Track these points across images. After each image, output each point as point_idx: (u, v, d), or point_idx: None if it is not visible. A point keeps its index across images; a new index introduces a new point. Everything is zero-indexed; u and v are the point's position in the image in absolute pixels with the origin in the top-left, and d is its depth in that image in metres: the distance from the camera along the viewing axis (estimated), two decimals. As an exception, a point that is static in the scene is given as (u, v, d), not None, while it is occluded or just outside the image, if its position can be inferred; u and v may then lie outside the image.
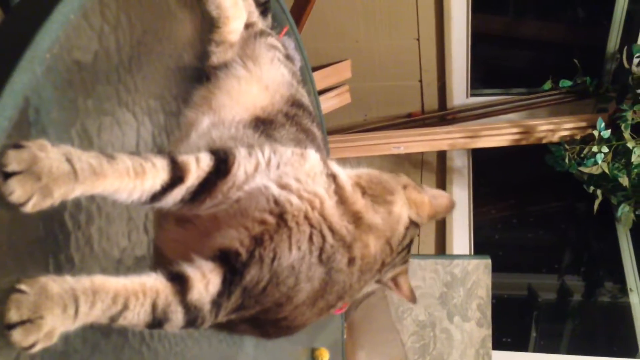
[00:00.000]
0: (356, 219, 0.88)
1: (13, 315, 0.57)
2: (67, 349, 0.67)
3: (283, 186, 0.84)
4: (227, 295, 0.77)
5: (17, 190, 0.57)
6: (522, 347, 3.21)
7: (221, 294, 0.76)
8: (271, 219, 0.81)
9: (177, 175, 0.76)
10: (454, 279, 2.55)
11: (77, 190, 0.64)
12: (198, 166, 0.79)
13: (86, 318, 0.64)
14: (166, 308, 0.71)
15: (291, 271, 0.81)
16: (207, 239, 0.81)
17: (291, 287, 0.82)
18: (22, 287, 0.59)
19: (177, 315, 0.72)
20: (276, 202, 0.82)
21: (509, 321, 3.25)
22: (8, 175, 0.57)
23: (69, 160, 0.63)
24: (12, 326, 0.57)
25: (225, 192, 0.81)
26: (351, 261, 0.87)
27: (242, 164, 0.83)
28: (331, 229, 0.85)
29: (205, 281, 0.75)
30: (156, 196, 0.75)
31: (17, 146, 0.58)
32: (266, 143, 0.92)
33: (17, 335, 0.57)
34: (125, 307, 0.67)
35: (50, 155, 0.61)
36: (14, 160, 0.57)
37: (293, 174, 0.86)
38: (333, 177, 0.90)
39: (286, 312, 0.86)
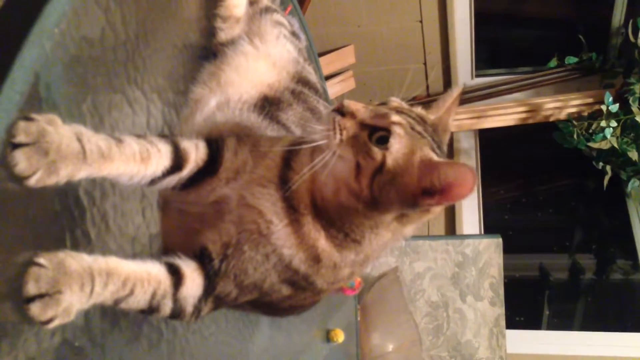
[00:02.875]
0: (315, 259, 0.81)
1: (31, 288, 0.57)
2: (87, 324, 0.67)
3: (241, 199, 0.80)
4: (205, 301, 0.79)
5: (21, 163, 0.56)
6: (535, 325, 3.21)
7: (200, 299, 0.78)
8: (234, 233, 0.79)
9: (177, 162, 0.78)
10: (466, 259, 2.55)
11: (83, 172, 0.63)
12: (196, 155, 0.80)
13: (97, 298, 0.64)
14: (161, 299, 0.72)
15: (255, 287, 0.81)
16: (194, 234, 0.82)
17: (261, 296, 0.83)
18: (41, 260, 0.58)
19: (166, 308, 0.74)
20: (238, 216, 0.80)
21: (522, 301, 3.25)
22: (16, 147, 0.56)
23: (79, 140, 0.63)
24: (30, 300, 0.57)
25: (208, 191, 0.82)
26: (317, 288, 0.85)
27: (226, 168, 0.82)
28: (286, 265, 0.80)
29: (192, 279, 0.77)
30: (154, 181, 0.76)
31: (27, 118, 0.58)
32: (267, 127, 0.93)
33: (35, 308, 0.57)
34: (131, 292, 0.68)
35: (61, 131, 0.60)
36: (22, 132, 0.57)
37: (249, 187, 0.81)
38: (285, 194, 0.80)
39: (273, 300, 0.86)
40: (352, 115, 0.80)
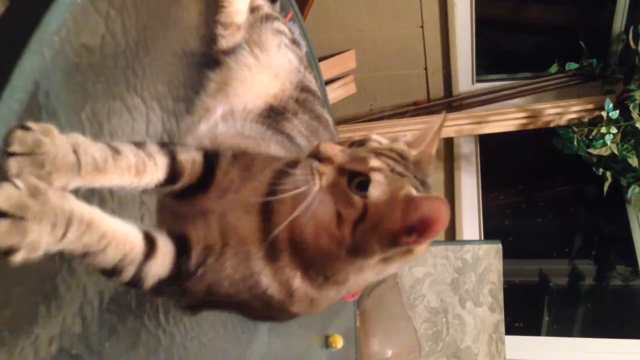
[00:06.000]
0: (289, 294, 0.79)
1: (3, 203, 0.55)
2: (85, 331, 0.67)
3: (223, 216, 0.79)
4: (167, 286, 0.75)
5: (12, 171, 0.57)
6: (534, 331, 3.20)
7: (162, 283, 0.74)
8: (217, 245, 0.77)
9: (172, 176, 0.77)
10: (465, 265, 2.55)
11: (75, 183, 0.63)
12: (192, 170, 0.79)
13: (69, 245, 0.61)
14: (127, 264, 0.69)
15: (227, 296, 0.79)
16: (182, 220, 0.80)
17: (232, 304, 0.81)
18: (18, 183, 0.57)
19: (128, 274, 0.70)
20: (220, 228, 0.78)
21: (521, 307, 3.24)
22: (11, 155, 0.57)
23: (75, 152, 0.63)
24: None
25: (196, 206, 0.81)
26: (293, 314, 0.83)
27: (218, 184, 0.81)
28: (263, 291, 0.78)
29: (163, 258, 0.73)
30: (147, 191, 0.75)
31: (24, 127, 0.58)
32: (271, 138, 0.92)
33: (2, 226, 0.55)
34: (104, 250, 0.65)
35: (57, 142, 0.60)
36: (17, 142, 0.57)
37: (233, 207, 0.79)
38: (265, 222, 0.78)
39: (247, 308, 0.84)
40: (330, 160, 0.77)
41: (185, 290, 0.77)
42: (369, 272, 0.79)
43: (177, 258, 0.75)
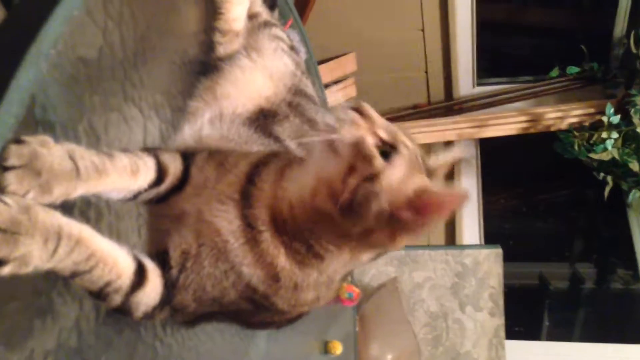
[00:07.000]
0: (274, 277, 0.78)
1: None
2: (81, 345, 0.67)
3: (199, 214, 0.78)
4: (160, 310, 0.75)
5: (12, 184, 0.56)
6: (534, 336, 3.20)
7: (155, 308, 0.74)
8: (193, 246, 0.77)
9: (160, 175, 0.77)
10: (465, 269, 2.55)
11: (80, 189, 0.63)
12: (174, 169, 0.79)
13: (58, 263, 0.60)
14: (113, 293, 0.68)
15: (214, 301, 0.78)
16: (162, 234, 0.80)
17: (222, 309, 0.81)
18: (8, 201, 0.56)
19: (113, 302, 0.69)
20: (196, 230, 0.78)
21: (521, 310, 3.24)
22: (7, 169, 0.56)
23: (71, 158, 0.63)
24: None
25: (173, 207, 0.80)
26: (278, 309, 0.82)
27: (193, 181, 0.81)
28: (246, 283, 0.77)
29: (153, 286, 0.73)
30: (137, 195, 0.75)
31: (19, 141, 0.58)
32: (256, 141, 0.92)
33: None
34: (90, 271, 0.64)
35: (53, 151, 0.60)
36: (14, 155, 0.57)
37: (208, 203, 0.79)
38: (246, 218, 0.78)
39: (238, 312, 0.84)
40: (369, 118, 0.78)
41: (176, 309, 0.77)
42: (346, 248, 0.78)
43: (163, 277, 0.75)
